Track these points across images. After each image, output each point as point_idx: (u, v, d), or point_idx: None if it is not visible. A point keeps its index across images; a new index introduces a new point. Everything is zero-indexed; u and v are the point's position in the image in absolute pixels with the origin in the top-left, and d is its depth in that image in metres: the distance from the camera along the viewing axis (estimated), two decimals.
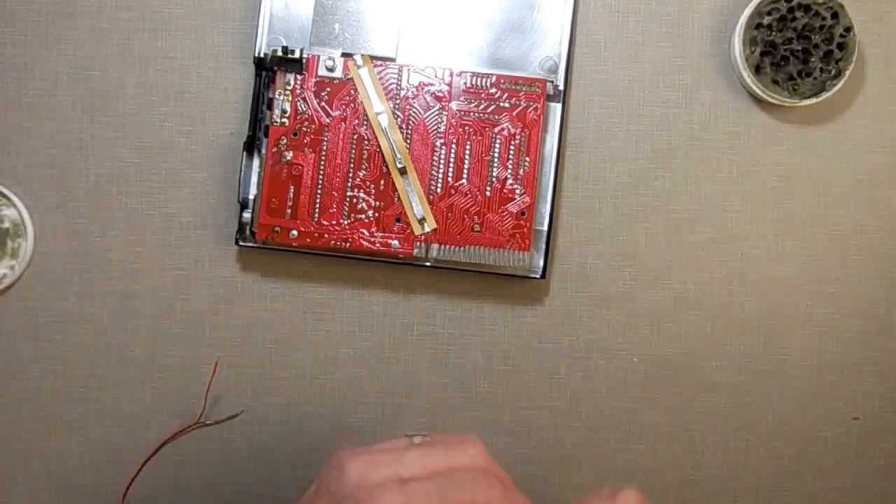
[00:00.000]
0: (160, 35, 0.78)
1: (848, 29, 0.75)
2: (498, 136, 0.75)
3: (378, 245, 0.75)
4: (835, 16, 0.75)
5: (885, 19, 0.78)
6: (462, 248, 0.75)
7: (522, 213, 0.75)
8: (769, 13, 0.75)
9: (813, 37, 0.75)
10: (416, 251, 0.75)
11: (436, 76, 0.75)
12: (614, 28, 0.79)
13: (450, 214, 0.75)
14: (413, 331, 0.79)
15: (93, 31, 0.77)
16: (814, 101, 0.76)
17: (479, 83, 0.75)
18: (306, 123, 0.75)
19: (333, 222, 0.75)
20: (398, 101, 0.75)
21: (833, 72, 0.76)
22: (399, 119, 0.75)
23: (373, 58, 0.75)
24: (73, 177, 0.78)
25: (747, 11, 0.75)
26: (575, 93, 0.78)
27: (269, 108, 0.75)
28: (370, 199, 0.75)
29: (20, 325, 0.78)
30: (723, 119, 0.79)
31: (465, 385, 0.79)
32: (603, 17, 0.78)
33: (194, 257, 0.78)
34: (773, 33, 0.75)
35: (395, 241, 0.75)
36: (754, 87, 0.76)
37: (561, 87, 0.76)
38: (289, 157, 0.74)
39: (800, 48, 0.75)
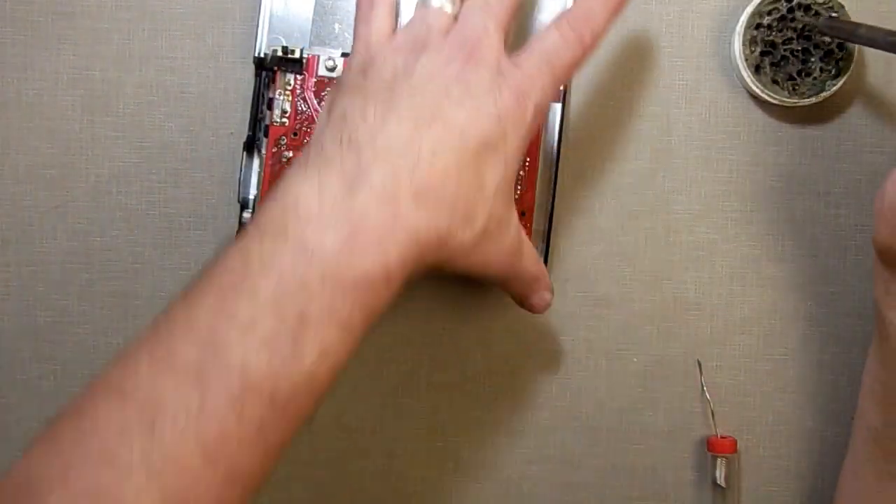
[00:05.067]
0: (160, 35, 0.78)
1: None
2: None
3: None
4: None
5: (885, 19, 0.78)
6: None
7: (522, 214, 0.75)
8: (769, 13, 0.75)
9: (813, 37, 0.75)
10: None
11: None
12: (614, 28, 0.78)
13: None
14: (413, 331, 0.79)
15: (93, 31, 0.77)
16: (814, 100, 0.76)
17: None
18: (307, 123, 0.75)
19: None
20: None
21: (833, 72, 0.76)
22: None
23: None
24: (73, 177, 0.78)
25: (747, 11, 0.75)
26: (575, 92, 0.78)
27: (270, 108, 0.75)
28: None
29: (20, 325, 0.78)
30: (723, 119, 0.79)
31: (465, 385, 0.79)
32: None
33: (194, 257, 0.78)
34: (773, 33, 0.75)
35: None
36: (754, 87, 0.76)
37: (560, 88, 0.76)
38: (289, 157, 0.74)
39: (800, 48, 0.75)
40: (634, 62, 0.79)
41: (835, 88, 0.76)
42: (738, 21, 0.76)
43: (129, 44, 0.78)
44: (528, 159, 0.75)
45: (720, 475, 0.78)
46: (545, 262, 0.76)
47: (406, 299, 0.75)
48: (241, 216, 0.75)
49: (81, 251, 0.78)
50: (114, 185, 0.78)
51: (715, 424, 0.79)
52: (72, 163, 0.77)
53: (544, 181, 0.76)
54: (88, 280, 0.78)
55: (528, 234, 0.75)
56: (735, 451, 0.78)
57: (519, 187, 0.75)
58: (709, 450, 0.78)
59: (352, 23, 0.72)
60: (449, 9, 0.63)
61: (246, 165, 0.75)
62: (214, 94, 0.78)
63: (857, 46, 0.75)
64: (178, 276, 0.78)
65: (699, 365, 0.79)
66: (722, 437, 0.78)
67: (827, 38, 0.75)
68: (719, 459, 0.78)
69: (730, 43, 0.78)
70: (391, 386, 0.79)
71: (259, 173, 0.75)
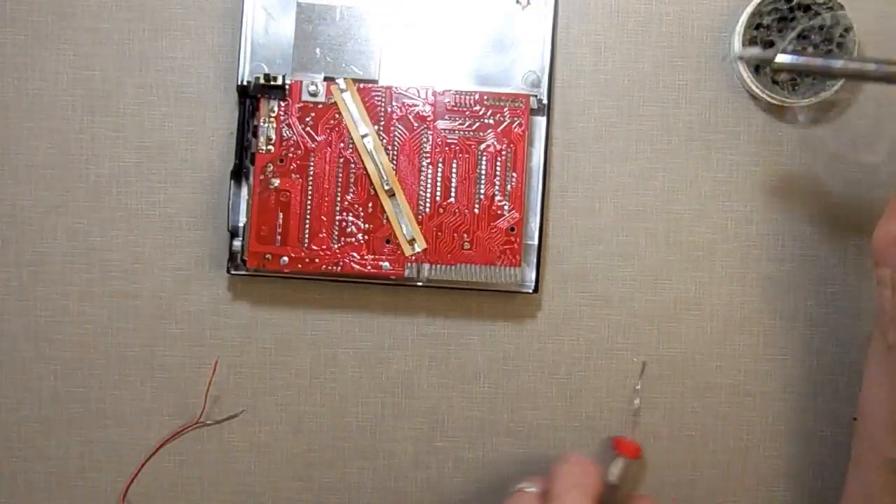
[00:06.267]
0: (160, 35, 0.78)
1: (848, 29, 0.75)
2: (484, 154, 0.75)
3: (369, 267, 0.75)
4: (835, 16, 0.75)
5: (885, 19, 0.78)
6: (453, 267, 0.75)
7: (512, 229, 0.75)
8: (769, 13, 0.75)
9: (813, 37, 0.75)
10: (407, 272, 0.76)
11: (419, 96, 0.75)
12: (614, 28, 0.78)
13: (439, 234, 0.75)
14: (413, 331, 0.79)
15: (93, 31, 0.77)
16: (814, 100, 0.76)
17: (462, 101, 0.75)
18: (292, 149, 0.75)
19: (324, 247, 0.75)
20: (383, 123, 0.75)
21: None
22: (384, 141, 0.75)
23: (355, 81, 0.75)
24: (73, 177, 0.78)
25: (747, 11, 0.75)
26: (574, 93, 0.78)
27: (255, 135, 0.75)
28: (359, 222, 0.75)
29: (20, 325, 0.78)
30: (723, 119, 0.78)
31: (466, 385, 0.79)
32: (603, 17, 0.78)
33: (194, 257, 0.78)
34: (773, 33, 0.75)
35: (386, 263, 0.75)
36: (754, 87, 0.76)
37: (545, 101, 0.77)
38: (276, 185, 0.75)
39: (800, 48, 0.75)
40: (634, 62, 0.79)
41: (835, 88, 0.75)
42: (738, 21, 0.76)
43: (129, 44, 0.78)
44: (514, 174, 0.75)
45: (615, 473, 0.77)
46: (537, 276, 0.77)
47: (406, 300, 0.75)
48: (230, 245, 0.76)
49: (81, 251, 0.78)
50: (114, 185, 0.78)
51: (633, 428, 0.79)
52: (72, 163, 0.78)
53: (532, 196, 0.77)
54: (88, 280, 0.78)
55: (519, 249, 0.76)
56: (637, 457, 0.78)
57: (506, 204, 0.75)
58: (613, 446, 0.78)
59: (333, 47, 0.74)
60: (532, 488, 0.68)
61: (234, 194, 0.76)
62: (214, 95, 0.78)
63: (856, 45, 0.75)
64: (177, 276, 0.78)
65: (643, 366, 0.79)
66: (629, 441, 0.78)
67: (826, 39, 0.75)
68: (619, 458, 0.77)
69: (730, 43, 0.77)
70: (391, 386, 0.79)
71: (248, 201, 0.75)
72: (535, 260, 0.77)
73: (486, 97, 0.75)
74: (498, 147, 0.75)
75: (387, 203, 0.75)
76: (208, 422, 0.79)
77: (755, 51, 0.66)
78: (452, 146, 0.75)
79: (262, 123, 0.75)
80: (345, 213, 0.75)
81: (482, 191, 0.75)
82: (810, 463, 0.80)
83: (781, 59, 0.61)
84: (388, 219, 0.75)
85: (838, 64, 0.60)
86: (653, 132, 0.79)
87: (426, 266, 0.76)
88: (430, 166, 0.75)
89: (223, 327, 0.79)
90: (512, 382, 0.79)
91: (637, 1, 0.78)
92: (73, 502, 0.79)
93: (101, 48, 0.78)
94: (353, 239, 0.75)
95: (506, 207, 0.75)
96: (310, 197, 0.75)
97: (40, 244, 0.78)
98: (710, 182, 0.79)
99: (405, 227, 0.75)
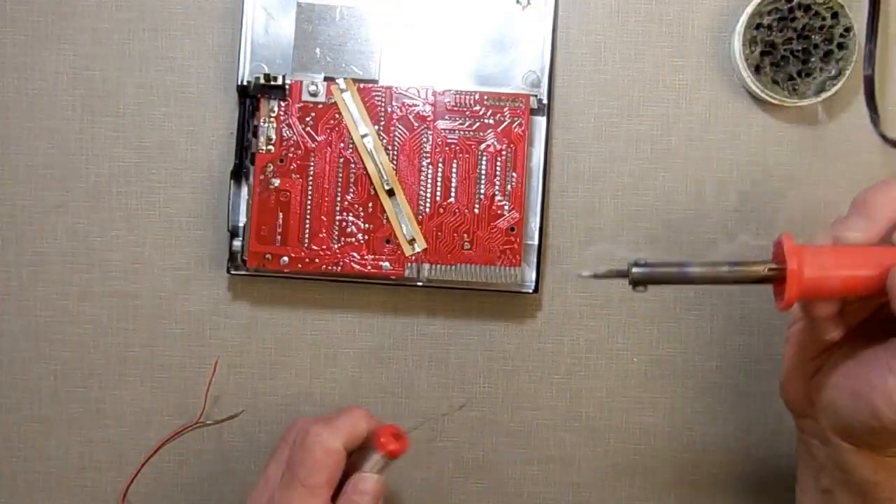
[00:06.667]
0: (160, 35, 0.78)
1: (848, 29, 0.75)
2: (484, 153, 0.75)
3: (369, 267, 0.75)
4: (835, 16, 0.75)
5: (886, 19, 0.78)
6: (453, 267, 0.75)
7: (512, 229, 0.75)
8: (769, 13, 0.75)
9: (813, 37, 0.75)
10: (407, 272, 0.76)
11: (419, 96, 0.75)
12: (614, 28, 0.78)
13: (439, 234, 0.75)
14: (413, 331, 0.79)
15: (93, 31, 0.77)
16: (814, 101, 0.76)
17: (462, 101, 0.75)
18: (292, 149, 0.75)
19: (324, 247, 0.75)
20: (383, 123, 0.75)
21: (833, 72, 0.75)
22: (384, 141, 0.75)
23: (355, 81, 0.75)
24: (73, 177, 0.78)
25: (747, 11, 0.75)
26: (574, 93, 0.78)
27: (255, 135, 0.75)
28: (359, 222, 0.75)
29: (20, 325, 0.78)
30: (723, 119, 0.78)
31: (466, 385, 0.79)
32: (603, 17, 0.78)
33: (194, 257, 0.78)
34: (773, 33, 0.75)
35: (387, 263, 0.75)
36: (754, 87, 0.76)
37: (545, 101, 0.77)
38: (276, 185, 0.75)
39: (800, 48, 0.75)
40: (634, 62, 0.78)
41: (835, 88, 0.76)
42: (738, 21, 0.76)
43: (129, 44, 0.78)
44: (514, 174, 0.75)
45: (371, 467, 0.67)
46: (537, 276, 0.77)
47: (406, 300, 0.75)
48: (230, 245, 0.76)
49: (81, 251, 0.78)
50: (114, 185, 0.78)
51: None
52: (72, 163, 0.78)
53: (532, 196, 0.77)
54: (88, 280, 0.78)
55: (519, 249, 0.76)
56: (395, 456, 0.67)
57: (506, 204, 0.75)
58: (374, 438, 0.67)
59: (333, 47, 0.74)
60: None
61: (234, 194, 0.76)
62: (215, 95, 0.78)
63: (856, 46, 0.75)
64: (177, 276, 0.78)
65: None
66: (395, 435, 0.67)
67: (826, 39, 0.75)
68: (375, 454, 0.67)
69: (730, 43, 0.77)
70: (391, 386, 0.79)
71: (248, 201, 0.75)
72: (535, 260, 0.77)
73: (486, 97, 0.75)
74: (498, 147, 0.75)
75: (387, 203, 0.75)
76: (208, 422, 0.79)
77: (606, 268, 0.63)
78: (452, 146, 0.75)
79: (262, 123, 0.75)
80: (345, 213, 0.75)
81: (482, 191, 0.75)
82: None
83: (637, 271, 0.59)
84: (388, 219, 0.75)
85: (693, 271, 0.59)
86: (653, 132, 0.78)
87: (426, 266, 0.76)
88: (430, 166, 0.75)
89: (223, 327, 0.79)
90: (512, 382, 0.79)
91: (637, 1, 0.78)
92: (73, 502, 0.79)
93: (101, 48, 0.78)
94: (353, 239, 0.75)
95: (506, 207, 0.75)
96: (310, 197, 0.75)
97: (40, 244, 0.78)
98: (710, 182, 0.79)
99: (405, 227, 0.75)
